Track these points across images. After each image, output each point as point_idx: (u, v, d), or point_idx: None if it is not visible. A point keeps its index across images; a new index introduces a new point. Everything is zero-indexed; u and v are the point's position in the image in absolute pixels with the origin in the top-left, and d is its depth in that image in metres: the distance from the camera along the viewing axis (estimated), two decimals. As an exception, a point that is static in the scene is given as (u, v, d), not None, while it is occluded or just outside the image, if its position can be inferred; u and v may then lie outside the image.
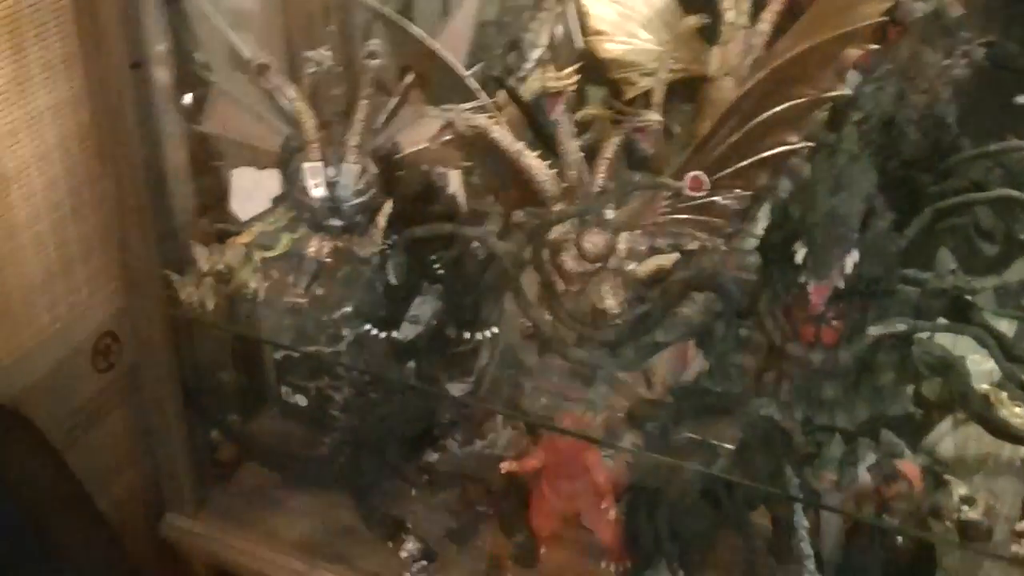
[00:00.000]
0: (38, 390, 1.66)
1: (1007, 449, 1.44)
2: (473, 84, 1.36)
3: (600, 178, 1.33)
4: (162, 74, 1.59)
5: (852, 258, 1.16)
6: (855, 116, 1.57)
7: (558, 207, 1.33)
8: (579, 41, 1.68)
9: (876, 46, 1.56)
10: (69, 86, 1.59)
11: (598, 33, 1.73)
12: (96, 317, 1.74)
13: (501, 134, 1.31)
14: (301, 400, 1.86)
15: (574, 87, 1.27)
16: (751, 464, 1.39)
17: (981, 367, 1.35)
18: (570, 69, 1.28)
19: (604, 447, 1.53)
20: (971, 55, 1.84)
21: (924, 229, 1.51)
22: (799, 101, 1.32)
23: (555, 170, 1.35)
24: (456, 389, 1.54)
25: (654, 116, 1.27)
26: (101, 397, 1.79)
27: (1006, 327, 1.50)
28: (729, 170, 1.34)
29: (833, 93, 1.37)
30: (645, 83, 1.69)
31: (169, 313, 1.65)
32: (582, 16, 1.71)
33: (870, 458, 1.31)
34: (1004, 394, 1.47)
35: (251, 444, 1.89)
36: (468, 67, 1.50)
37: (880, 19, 1.46)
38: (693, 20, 1.69)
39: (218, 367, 1.87)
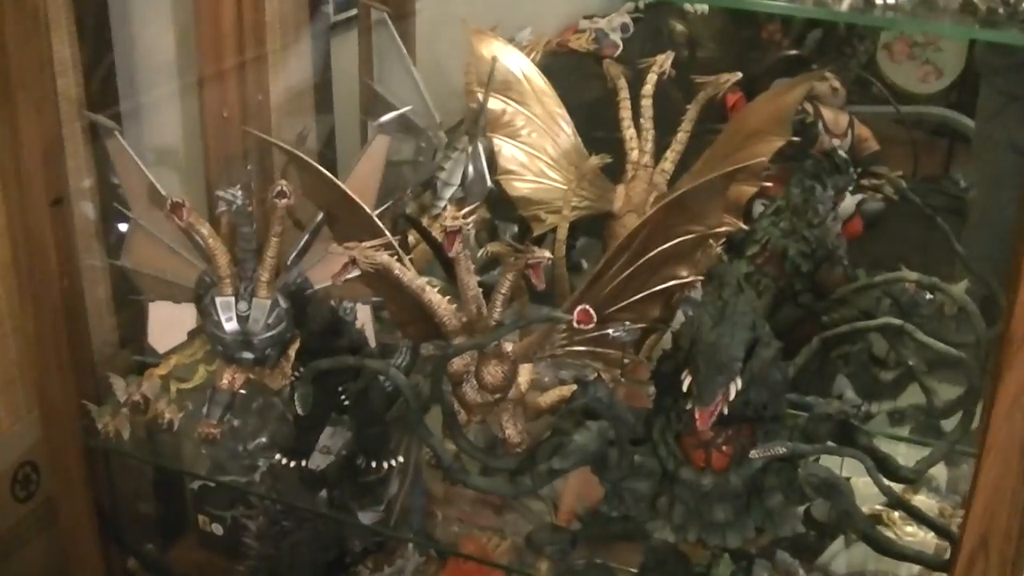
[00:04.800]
0: (-45, 519, 1.67)
1: (903, 568, 1.48)
2: (378, 223, 1.41)
3: (497, 312, 1.38)
4: (86, 209, 1.65)
5: (735, 385, 1.21)
6: (750, 249, 1.65)
7: (458, 340, 1.38)
8: (489, 181, 1.75)
9: (769, 184, 1.66)
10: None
11: (508, 172, 1.81)
12: (16, 446, 1.76)
13: (402, 271, 1.36)
14: (217, 529, 1.88)
15: (469, 226, 1.32)
16: (652, 587, 1.42)
17: (874, 489, 1.40)
18: (467, 209, 1.34)
19: (507, 572, 1.56)
20: (883, 190, 1.94)
21: (820, 356, 1.58)
22: (688, 237, 1.39)
23: (455, 305, 1.40)
24: (367, 517, 1.56)
25: (544, 253, 1.33)
26: (20, 526, 1.79)
27: (904, 450, 1.57)
28: (623, 303, 1.41)
29: (721, 229, 1.44)
30: (552, 220, 1.77)
31: (87, 443, 1.67)
32: (492, 156, 1.79)
33: (763, 577, 1.35)
34: (896, 514, 1.53)
35: (168, 574, 1.89)
36: (380, 206, 1.56)
37: (764, 160, 1.55)
38: (596, 160, 1.78)
39: (136, 497, 1.88)
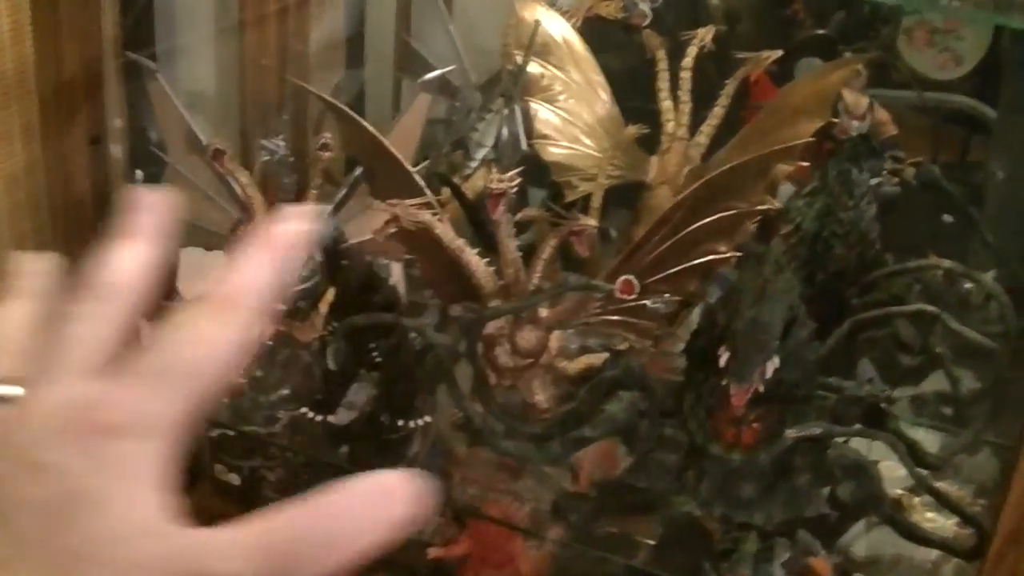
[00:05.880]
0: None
1: (919, 553, 1.48)
2: (419, 181, 1.41)
3: (535, 277, 1.38)
4: (118, 151, 1.64)
5: (772, 364, 1.21)
6: (784, 229, 1.65)
7: (494, 303, 1.38)
8: (524, 144, 1.75)
9: (806, 163, 1.65)
10: (25, 157, 1.62)
11: (543, 137, 1.80)
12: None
13: (443, 231, 1.36)
14: (234, 479, 1.87)
15: (515, 189, 1.32)
16: (671, 559, 1.43)
17: (896, 473, 1.41)
18: (513, 172, 1.34)
19: (528, 537, 1.57)
20: (901, 174, 1.93)
21: (845, 339, 1.58)
22: (729, 213, 1.39)
23: (493, 268, 1.40)
24: (388, 475, 1.56)
25: (590, 221, 1.33)
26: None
27: (923, 436, 1.57)
28: (659, 276, 1.41)
29: (763, 207, 1.44)
30: (585, 187, 1.76)
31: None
32: (528, 120, 1.78)
33: (785, 556, 1.35)
34: (917, 499, 1.53)
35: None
36: (416, 164, 1.56)
37: (810, 139, 1.55)
38: (633, 130, 1.77)
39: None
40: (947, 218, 1.93)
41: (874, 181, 1.87)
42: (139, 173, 1.68)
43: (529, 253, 1.44)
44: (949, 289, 1.66)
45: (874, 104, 1.99)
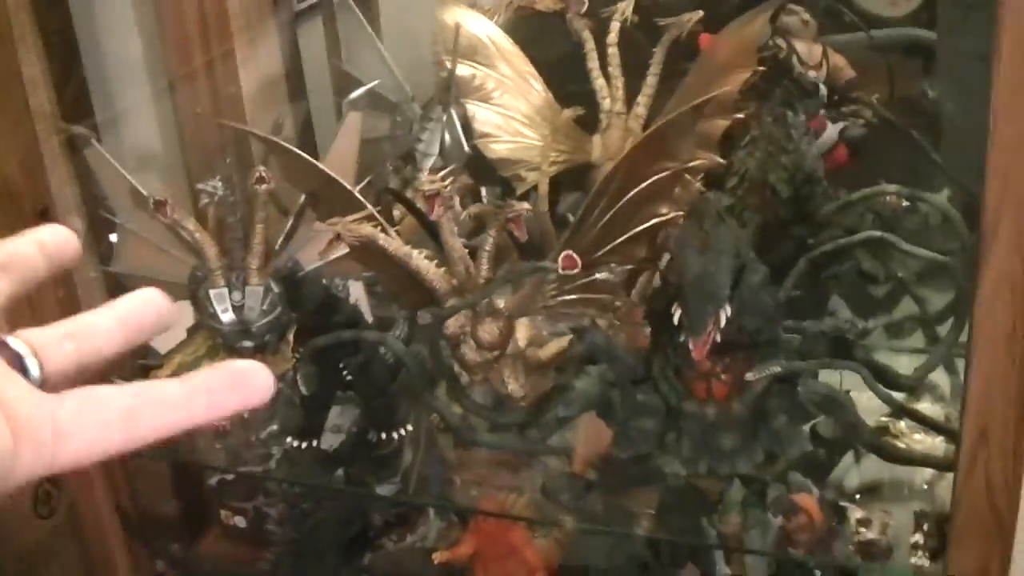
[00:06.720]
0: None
1: (917, 475, 1.50)
2: (357, 195, 1.43)
3: (484, 270, 1.39)
4: (72, 221, 1.66)
5: (724, 313, 1.23)
6: (730, 182, 1.66)
7: (450, 302, 1.40)
8: (466, 146, 1.77)
9: (740, 115, 1.67)
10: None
11: (484, 136, 1.82)
12: (35, 465, 1.77)
13: (387, 241, 1.38)
14: (240, 521, 1.90)
15: (447, 188, 1.33)
16: (671, 522, 1.44)
17: (875, 402, 1.42)
18: (443, 172, 1.36)
19: (528, 524, 1.58)
20: (863, 114, 1.94)
21: (810, 279, 1.59)
22: (663, 174, 1.40)
23: (443, 268, 1.42)
24: (385, 490, 1.58)
25: (523, 205, 1.35)
26: (46, 542, 1.81)
27: (905, 362, 1.58)
28: (608, 247, 1.42)
29: (695, 163, 1.46)
30: (533, 178, 1.78)
31: (103, 452, 1.69)
32: (467, 122, 1.80)
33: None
34: (902, 423, 1.54)
35: (196, 570, 1.92)
36: (360, 182, 1.58)
37: (730, 89, 1.56)
38: (568, 112, 1.79)
39: (157, 499, 1.91)
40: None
41: (840, 125, 1.89)
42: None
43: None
44: (906, 215, 1.67)
45: (828, 51, 2.01)
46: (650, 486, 1.45)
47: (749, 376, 1.28)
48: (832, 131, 1.83)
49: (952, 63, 2.46)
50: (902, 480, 1.51)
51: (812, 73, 1.96)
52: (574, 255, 1.31)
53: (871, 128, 1.91)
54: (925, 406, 1.58)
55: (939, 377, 1.57)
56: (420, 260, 1.40)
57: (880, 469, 1.50)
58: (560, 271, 1.31)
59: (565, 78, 1.90)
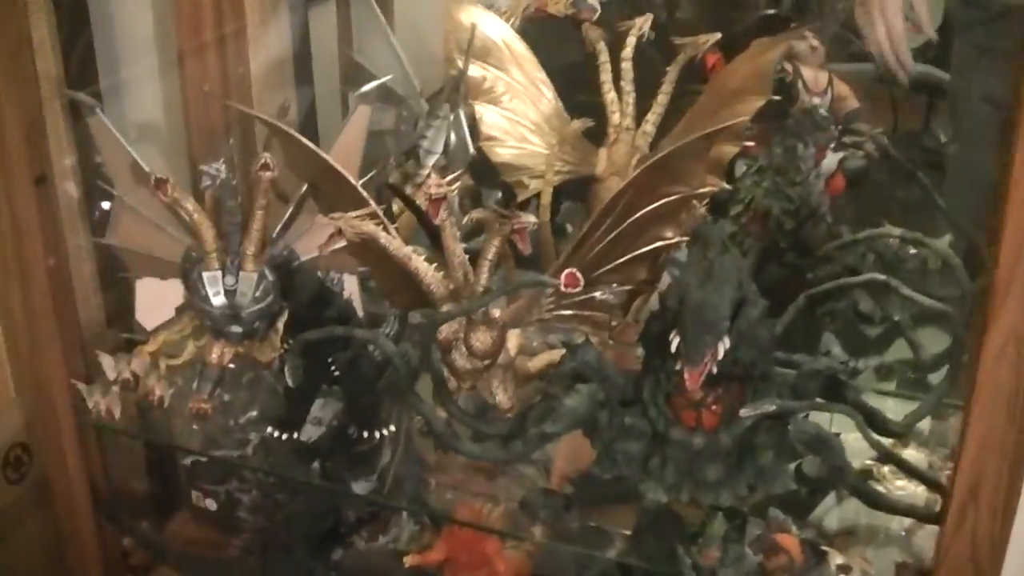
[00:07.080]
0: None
1: (895, 522, 1.49)
2: (361, 192, 1.41)
3: (483, 278, 1.38)
4: (69, 188, 1.64)
5: (723, 345, 1.22)
6: (734, 209, 1.65)
7: (446, 308, 1.39)
8: (471, 147, 1.76)
9: (751, 143, 1.66)
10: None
11: (490, 139, 1.81)
12: (7, 428, 1.76)
13: (388, 240, 1.37)
14: (211, 504, 1.88)
15: (454, 193, 1.32)
16: (646, 548, 1.43)
17: (862, 444, 1.41)
18: (451, 176, 1.34)
19: (502, 537, 1.57)
20: (865, 147, 1.94)
21: (806, 315, 1.58)
22: (672, 198, 1.39)
23: (442, 272, 1.40)
24: (360, 487, 1.57)
25: (530, 218, 1.33)
26: (14, 508, 1.79)
27: (892, 406, 1.57)
28: (609, 266, 1.41)
29: (704, 189, 1.45)
30: (536, 185, 1.78)
31: (78, 422, 1.67)
32: (474, 123, 1.79)
33: (755, 535, 1.36)
34: (886, 468, 1.54)
35: (163, 550, 1.90)
36: (363, 176, 1.56)
37: (745, 119, 1.55)
38: (577, 124, 1.78)
39: (129, 475, 1.89)
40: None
41: (840, 155, 1.88)
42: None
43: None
44: (907, 257, 1.66)
45: (834, 79, 2.00)
46: (627, 505, 1.44)
47: (743, 413, 1.27)
48: (832, 159, 1.82)
49: (960, 104, 2.45)
50: (879, 525, 1.50)
51: (816, 100, 1.96)
52: (577, 274, 1.30)
53: (871, 161, 1.91)
54: (909, 452, 1.58)
55: (925, 423, 1.57)
56: (419, 262, 1.38)
57: (858, 511, 1.49)
58: (562, 288, 1.30)
59: (575, 87, 1.89)
